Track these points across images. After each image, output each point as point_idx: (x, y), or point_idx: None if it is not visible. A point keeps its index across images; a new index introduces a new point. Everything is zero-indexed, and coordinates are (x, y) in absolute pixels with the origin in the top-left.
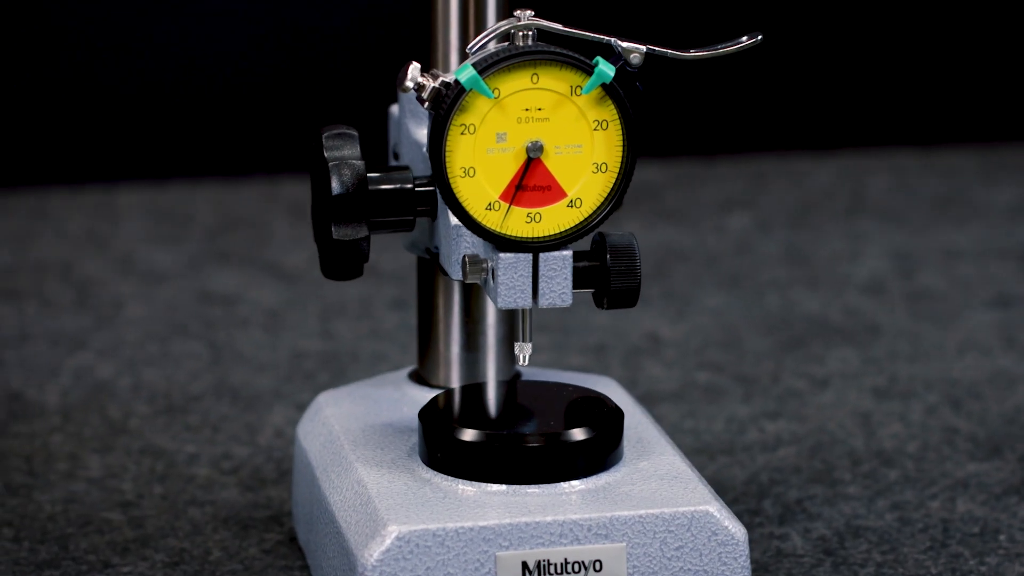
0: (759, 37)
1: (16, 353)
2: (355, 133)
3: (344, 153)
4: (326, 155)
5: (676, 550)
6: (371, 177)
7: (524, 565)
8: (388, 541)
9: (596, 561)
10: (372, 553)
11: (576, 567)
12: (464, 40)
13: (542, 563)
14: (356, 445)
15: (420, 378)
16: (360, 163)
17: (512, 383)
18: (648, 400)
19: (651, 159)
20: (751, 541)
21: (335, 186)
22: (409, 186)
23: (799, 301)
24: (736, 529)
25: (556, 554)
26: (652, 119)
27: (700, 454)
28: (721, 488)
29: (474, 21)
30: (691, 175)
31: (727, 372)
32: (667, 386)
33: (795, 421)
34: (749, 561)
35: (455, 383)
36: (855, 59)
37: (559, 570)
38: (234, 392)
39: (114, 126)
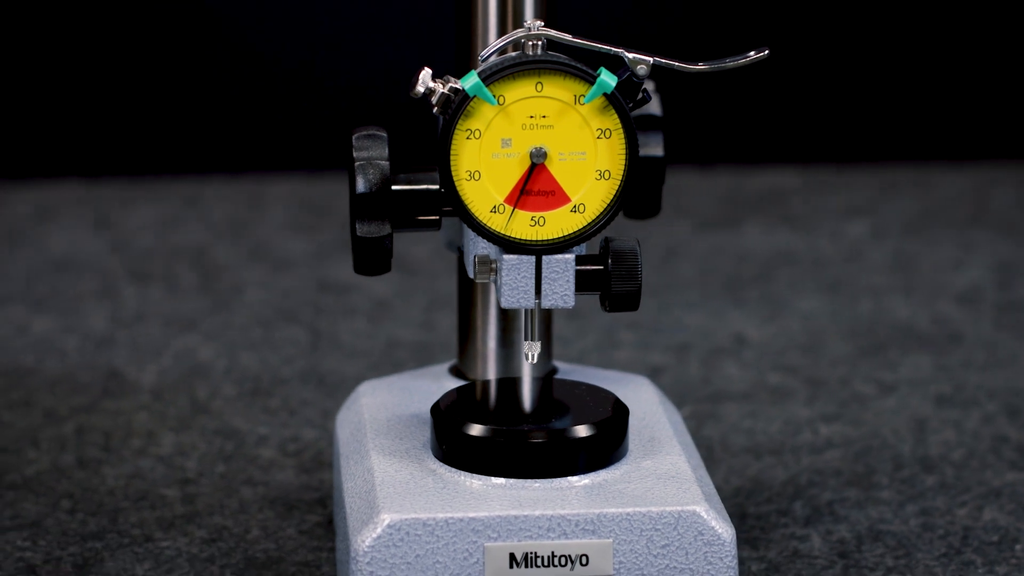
0: (766, 52)
1: (128, 333)
2: (384, 134)
3: (371, 153)
4: (354, 155)
5: (662, 548)
6: (397, 177)
7: (512, 556)
8: (379, 529)
9: (583, 556)
10: (365, 540)
11: (563, 560)
12: None
13: (529, 555)
14: (377, 434)
15: (459, 372)
16: (385, 163)
17: (520, 381)
18: (715, 399)
19: (787, 164)
20: (772, 541)
21: (360, 185)
22: (434, 187)
23: (891, 308)
24: (723, 530)
25: (543, 547)
26: (791, 125)
27: (747, 453)
28: (758, 488)
29: (512, 26)
30: (824, 182)
31: (799, 375)
32: (738, 386)
33: (850, 425)
34: (736, 561)
35: (491, 377)
36: (1000, 71)
37: (546, 563)
38: (321, 378)
39: (274, 117)
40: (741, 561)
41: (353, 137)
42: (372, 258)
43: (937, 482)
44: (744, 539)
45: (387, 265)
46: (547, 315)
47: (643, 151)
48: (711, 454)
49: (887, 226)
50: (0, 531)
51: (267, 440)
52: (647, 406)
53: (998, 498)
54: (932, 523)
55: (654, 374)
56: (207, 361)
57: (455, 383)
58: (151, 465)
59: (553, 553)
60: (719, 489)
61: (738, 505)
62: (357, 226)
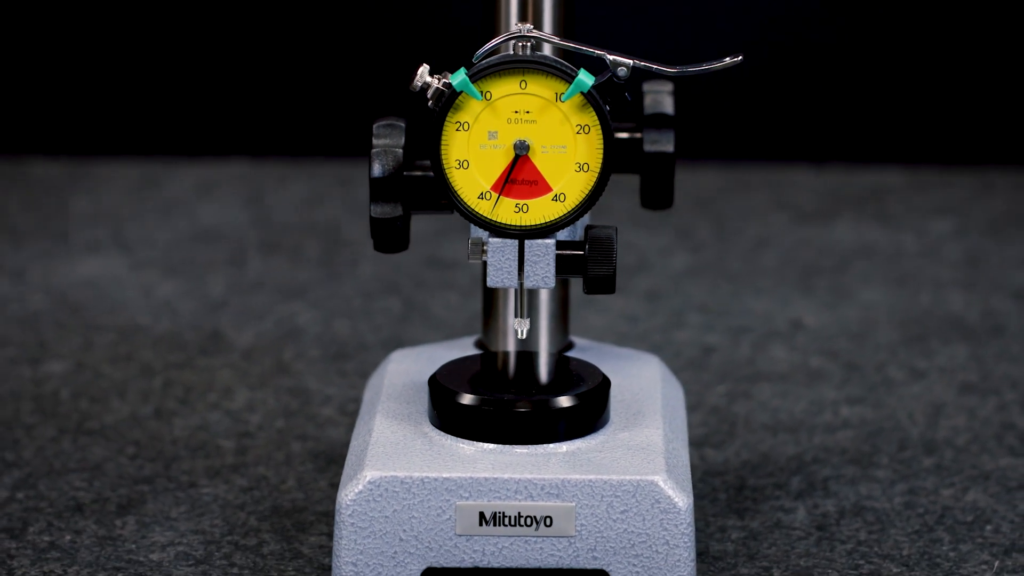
0: (740, 58)
1: (242, 299)
2: (403, 124)
3: (388, 141)
4: (373, 142)
5: (621, 513)
6: (412, 164)
7: (481, 515)
8: (361, 484)
9: (547, 517)
10: (348, 494)
11: (528, 521)
12: None
13: (498, 515)
14: (389, 399)
15: (482, 344)
16: (399, 150)
17: (513, 354)
18: (753, 379)
19: (894, 164)
20: (759, 512)
21: (375, 170)
22: None
23: (947, 300)
24: (679, 499)
25: (511, 508)
26: (901, 126)
27: (765, 430)
28: (764, 462)
29: (532, 22)
30: (925, 182)
31: (840, 360)
32: (779, 367)
33: (871, 408)
34: (692, 529)
35: (511, 350)
36: None
37: (513, 522)
38: (399, 344)
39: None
40: (724, 529)
41: (374, 126)
42: (387, 237)
43: (934, 464)
44: (734, 509)
45: (403, 244)
46: (563, 296)
47: (655, 147)
48: (732, 429)
49: (970, 225)
50: (63, 472)
51: (331, 399)
52: (646, 382)
53: (986, 481)
54: (915, 502)
55: (706, 353)
56: (303, 326)
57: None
58: (218, 418)
59: (520, 514)
60: (727, 461)
61: (740, 477)
62: (372, 208)
